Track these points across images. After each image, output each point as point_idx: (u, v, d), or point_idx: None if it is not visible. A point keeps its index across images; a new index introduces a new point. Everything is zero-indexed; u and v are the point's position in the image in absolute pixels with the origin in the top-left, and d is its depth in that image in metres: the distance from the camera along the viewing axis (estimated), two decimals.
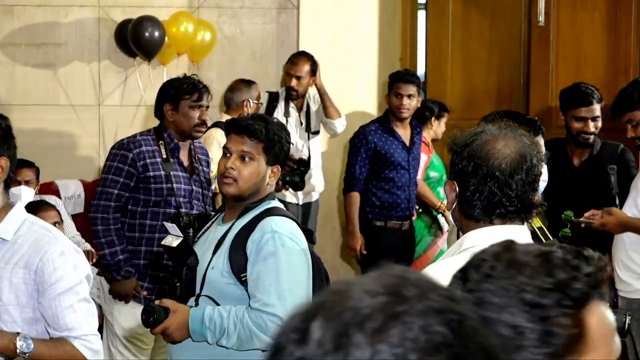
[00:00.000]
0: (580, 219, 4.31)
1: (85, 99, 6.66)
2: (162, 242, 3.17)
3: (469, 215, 2.29)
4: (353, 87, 6.54)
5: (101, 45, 6.63)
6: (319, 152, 6.19)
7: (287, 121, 5.92)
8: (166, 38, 6.23)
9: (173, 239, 3.15)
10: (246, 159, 3.12)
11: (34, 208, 5.16)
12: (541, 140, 3.45)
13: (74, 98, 6.64)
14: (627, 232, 4.38)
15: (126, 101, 6.65)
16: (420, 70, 7.26)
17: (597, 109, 4.83)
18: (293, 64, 6.00)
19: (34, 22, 6.61)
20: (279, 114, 5.93)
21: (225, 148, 3.19)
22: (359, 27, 6.53)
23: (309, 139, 6.05)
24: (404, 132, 5.67)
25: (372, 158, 5.57)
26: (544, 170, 3.20)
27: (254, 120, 3.18)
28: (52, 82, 6.64)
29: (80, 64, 6.65)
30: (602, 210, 4.33)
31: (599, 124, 4.83)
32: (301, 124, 6.05)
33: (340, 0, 6.50)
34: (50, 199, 5.55)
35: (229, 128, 3.21)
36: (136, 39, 6.17)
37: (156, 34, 6.16)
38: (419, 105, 5.71)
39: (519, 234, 2.26)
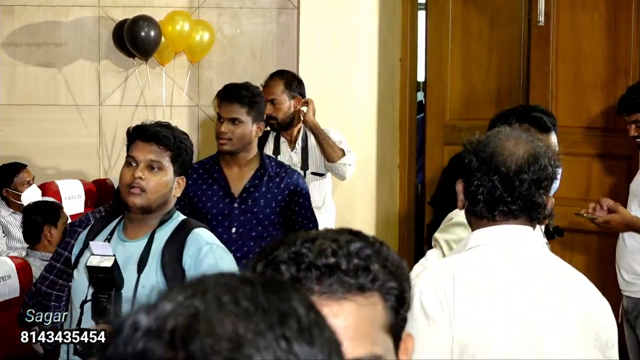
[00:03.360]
0: (584, 214, 4.27)
1: (86, 99, 6.67)
2: (88, 264, 2.88)
3: (473, 212, 2.29)
4: (353, 88, 6.53)
5: (101, 45, 6.64)
6: (326, 196, 5.15)
7: None
8: (162, 38, 6.24)
9: (103, 259, 2.88)
10: (154, 168, 2.95)
11: (41, 207, 5.19)
12: (554, 137, 3.35)
13: (74, 98, 6.65)
14: (630, 238, 4.38)
15: (126, 101, 6.65)
16: (420, 70, 7.26)
17: None
18: (265, 87, 4.93)
19: (34, 22, 6.61)
20: (268, 152, 4.91)
21: (130, 157, 2.98)
22: (358, 27, 6.52)
23: (310, 180, 4.95)
24: (238, 173, 4.06)
25: (190, 207, 3.95)
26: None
27: (161, 127, 3.01)
28: (53, 82, 6.64)
29: (81, 64, 6.66)
30: (608, 205, 4.25)
31: None
32: (298, 162, 4.97)
33: (340, 1, 6.50)
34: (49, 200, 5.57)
35: (135, 135, 3.00)
36: (132, 39, 6.18)
37: (152, 33, 6.17)
38: (259, 133, 4.10)
39: (526, 234, 2.26)
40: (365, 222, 6.34)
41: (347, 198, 6.10)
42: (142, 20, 6.19)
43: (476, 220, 2.29)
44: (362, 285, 1.23)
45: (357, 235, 1.30)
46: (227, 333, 0.81)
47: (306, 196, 4.13)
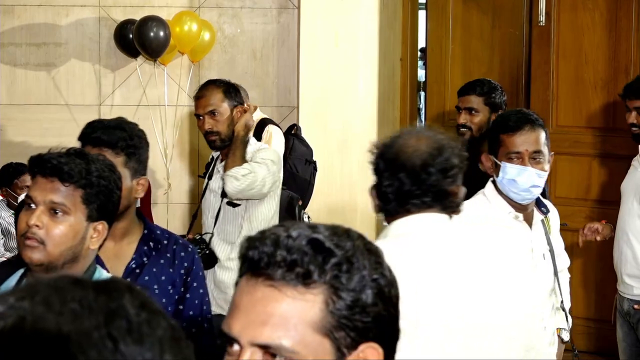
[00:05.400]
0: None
1: (86, 99, 6.66)
2: None
3: (387, 211, 2.38)
4: (353, 87, 6.53)
5: (102, 45, 6.64)
6: (243, 228, 4.33)
7: (207, 185, 4.43)
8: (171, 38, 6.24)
9: None
10: (58, 212, 2.26)
11: None
12: (542, 135, 3.34)
13: (75, 98, 6.65)
14: (631, 240, 4.38)
15: (127, 101, 6.65)
16: (420, 70, 7.26)
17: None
18: (198, 99, 4.32)
19: (34, 22, 6.61)
20: (216, 174, 4.42)
21: (28, 197, 2.32)
22: (359, 27, 6.52)
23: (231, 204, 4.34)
24: (114, 250, 2.90)
25: None
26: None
27: (69, 157, 2.31)
28: (53, 82, 6.64)
29: (81, 64, 6.66)
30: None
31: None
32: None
33: (340, 0, 6.50)
34: None
35: (34, 168, 2.33)
36: (141, 39, 6.17)
37: (161, 33, 6.16)
38: (142, 193, 2.91)
39: (443, 222, 2.33)
40: (365, 221, 6.33)
41: (348, 197, 6.10)
42: (151, 21, 6.18)
43: (391, 218, 2.37)
44: (292, 279, 1.28)
45: (334, 232, 1.33)
46: (51, 333, 0.81)
47: (202, 280, 2.95)
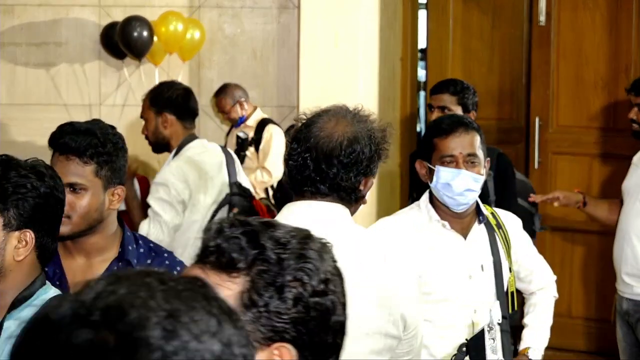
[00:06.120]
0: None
1: (86, 99, 6.67)
2: None
3: (290, 187, 2.38)
4: (353, 87, 6.53)
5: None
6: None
7: None
8: (155, 38, 6.23)
9: None
10: None
11: None
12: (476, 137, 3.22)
13: (74, 98, 6.65)
14: (632, 239, 4.38)
15: (126, 101, 6.65)
16: (420, 70, 7.25)
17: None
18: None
19: (34, 22, 6.61)
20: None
21: None
22: (359, 26, 6.52)
23: None
24: (84, 266, 2.64)
25: None
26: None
27: None
28: (53, 82, 6.64)
29: (81, 64, 6.66)
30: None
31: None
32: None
33: (341, 0, 6.50)
34: None
35: None
36: (125, 39, 6.17)
37: (144, 33, 6.16)
38: (117, 205, 2.65)
39: (334, 212, 2.32)
40: (364, 221, 6.33)
41: None
42: (134, 21, 6.19)
43: (294, 196, 2.38)
44: (218, 266, 1.33)
45: (288, 232, 1.36)
46: (161, 305, 0.83)
47: None
